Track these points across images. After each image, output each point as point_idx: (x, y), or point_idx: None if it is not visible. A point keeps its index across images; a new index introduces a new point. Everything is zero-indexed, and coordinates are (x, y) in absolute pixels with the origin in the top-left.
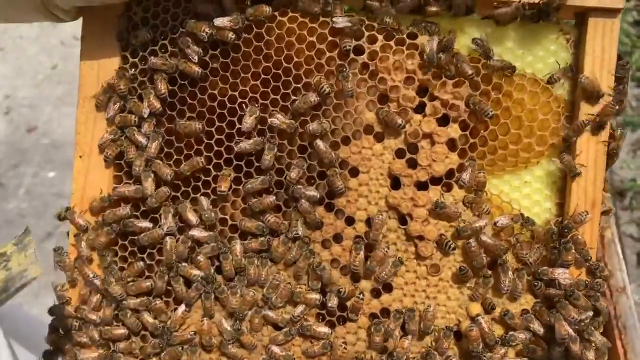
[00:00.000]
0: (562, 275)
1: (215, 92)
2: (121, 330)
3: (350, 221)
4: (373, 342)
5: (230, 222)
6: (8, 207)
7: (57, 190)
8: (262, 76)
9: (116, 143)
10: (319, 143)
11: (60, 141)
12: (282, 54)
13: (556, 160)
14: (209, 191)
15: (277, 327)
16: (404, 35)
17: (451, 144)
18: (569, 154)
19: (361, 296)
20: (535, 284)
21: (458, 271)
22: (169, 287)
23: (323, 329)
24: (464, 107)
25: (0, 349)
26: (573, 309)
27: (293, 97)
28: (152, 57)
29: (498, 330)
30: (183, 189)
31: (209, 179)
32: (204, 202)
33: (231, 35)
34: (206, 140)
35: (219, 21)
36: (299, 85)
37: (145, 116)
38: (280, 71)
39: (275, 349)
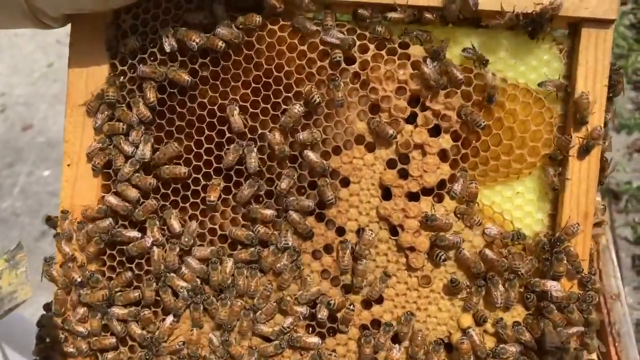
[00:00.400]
0: (554, 287)
1: (205, 100)
2: (109, 340)
3: (341, 232)
4: (363, 354)
5: (219, 232)
6: (2, 206)
7: (52, 189)
8: (253, 85)
9: (104, 152)
10: (309, 154)
11: (55, 139)
12: (272, 62)
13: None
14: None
15: (267, 339)
16: (396, 45)
17: (443, 155)
18: (552, 166)
19: (352, 307)
20: (528, 296)
21: (449, 283)
22: (157, 298)
23: (313, 339)
24: (456, 117)
25: None
26: (560, 314)
27: (284, 107)
28: (141, 65)
29: (489, 343)
30: (172, 198)
31: (198, 188)
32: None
33: (221, 43)
34: (195, 149)
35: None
36: (289, 95)
37: (135, 125)
38: (270, 80)
39: None
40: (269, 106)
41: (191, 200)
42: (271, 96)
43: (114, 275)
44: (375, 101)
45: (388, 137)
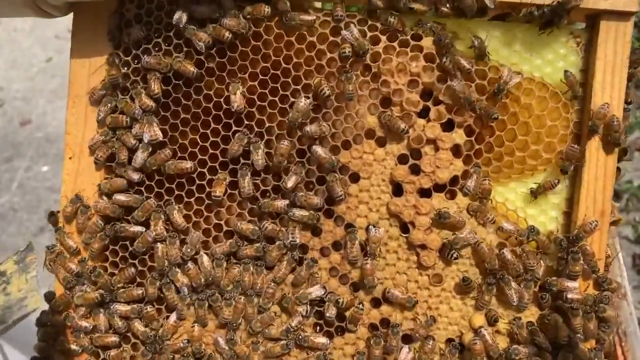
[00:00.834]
0: (572, 289)
1: (211, 92)
2: (112, 338)
3: (350, 228)
4: (372, 355)
5: (225, 228)
6: (0, 202)
7: (50, 184)
8: (260, 77)
9: (107, 145)
10: (317, 149)
11: (54, 135)
12: (281, 54)
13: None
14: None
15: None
16: (408, 37)
17: (456, 150)
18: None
19: (361, 306)
20: (543, 296)
21: (461, 281)
22: (161, 295)
23: (321, 339)
24: (470, 111)
25: None
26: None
27: (292, 100)
28: (145, 56)
29: (501, 343)
30: (176, 192)
31: (204, 182)
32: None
33: (227, 34)
34: (201, 143)
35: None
36: (298, 87)
37: (138, 117)
38: (279, 72)
39: None
40: (276, 99)
41: (196, 195)
42: (279, 88)
43: (116, 271)
44: (386, 94)
45: (400, 131)
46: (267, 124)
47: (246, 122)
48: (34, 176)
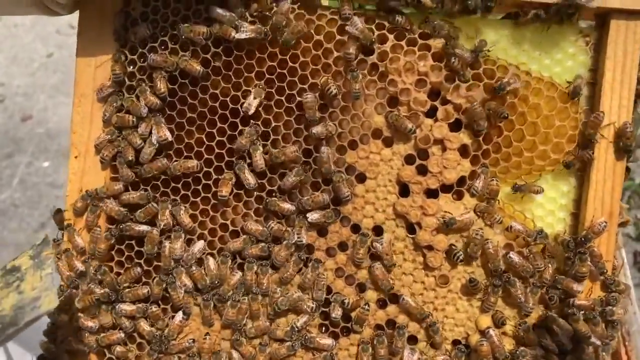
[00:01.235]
0: (577, 291)
1: (217, 91)
2: (117, 335)
3: (356, 229)
4: (378, 355)
5: (231, 228)
6: (1, 197)
7: (51, 180)
8: (267, 76)
9: (113, 144)
10: (324, 151)
11: (55, 130)
12: (287, 52)
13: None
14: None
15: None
16: (416, 35)
17: (463, 150)
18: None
19: (367, 307)
20: (551, 297)
21: (468, 282)
22: (166, 294)
23: (327, 340)
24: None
25: None
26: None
27: (298, 99)
28: (152, 55)
29: (507, 346)
30: (182, 192)
31: (210, 182)
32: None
33: (233, 33)
34: (207, 142)
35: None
36: (305, 86)
37: (144, 115)
38: (285, 71)
39: None
40: (283, 98)
41: (202, 194)
42: (285, 88)
43: (122, 271)
44: (393, 94)
45: (407, 131)
46: (274, 124)
47: (252, 121)
48: (35, 172)
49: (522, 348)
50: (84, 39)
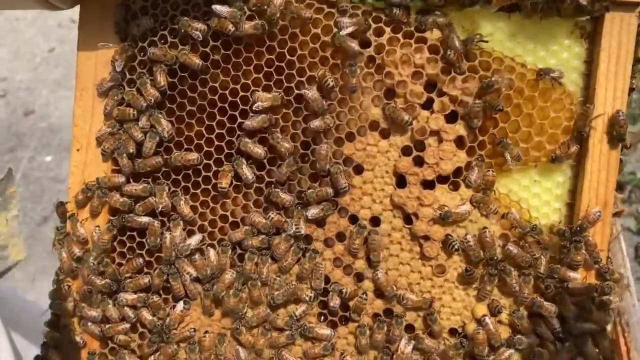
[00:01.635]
0: (572, 279)
1: (217, 84)
2: (122, 326)
3: (354, 220)
4: (374, 340)
5: (231, 219)
6: None
7: (53, 174)
8: (265, 69)
9: (114, 136)
10: (322, 147)
11: (57, 125)
12: (285, 46)
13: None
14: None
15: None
16: (412, 28)
17: (459, 142)
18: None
19: (364, 296)
20: (548, 286)
21: (464, 271)
22: (167, 285)
23: (325, 330)
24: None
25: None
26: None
27: (296, 91)
28: (151, 48)
29: (503, 334)
30: (183, 184)
31: (210, 174)
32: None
33: (231, 26)
34: (207, 135)
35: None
36: (302, 79)
37: (144, 108)
38: (283, 64)
39: (286, 354)
40: (281, 91)
41: (202, 186)
42: (284, 80)
43: (123, 262)
44: (390, 86)
45: (403, 123)
46: (272, 116)
47: (251, 114)
48: (37, 166)
49: (517, 336)
50: (84, 33)
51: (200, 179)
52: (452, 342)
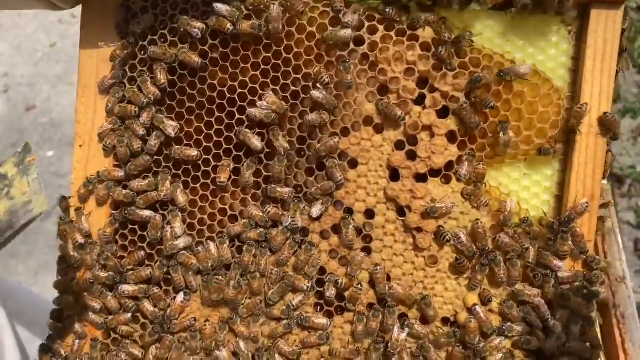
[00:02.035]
0: (559, 267)
1: (215, 82)
2: (124, 316)
3: (349, 212)
4: (370, 328)
5: (230, 213)
6: None
7: (55, 169)
8: (262, 66)
9: (116, 132)
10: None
11: (58, 120)
12: (282, 44)
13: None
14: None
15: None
16: (405, 26)
17: (451, 136)
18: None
19: (359, 287)
20: (535, 275)
21: (455, 261)
22: (168, 276)
23: (322, 320)
24: (464, 98)
25: (4, 330)
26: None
27: (293, 88)
28: (152, 47)
29: (494, 322)
30: (183, 178)
31: (209, 169)
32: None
33: (229, 25)
34: (205, 131)
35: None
36: (298, 76)
37: (145, 105)
38: (280, 62)
39: (282, 345)
40: (277, 88)
41: (202, 180)
42: (280, 78)
43: (125, 255)
44: (383, 82)
45: (396, 118)
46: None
47: (249, 110)
48: (39, 161)
49: (508, 324)
50: (86, 32)
51: (199, 174)
52: (445, 331)
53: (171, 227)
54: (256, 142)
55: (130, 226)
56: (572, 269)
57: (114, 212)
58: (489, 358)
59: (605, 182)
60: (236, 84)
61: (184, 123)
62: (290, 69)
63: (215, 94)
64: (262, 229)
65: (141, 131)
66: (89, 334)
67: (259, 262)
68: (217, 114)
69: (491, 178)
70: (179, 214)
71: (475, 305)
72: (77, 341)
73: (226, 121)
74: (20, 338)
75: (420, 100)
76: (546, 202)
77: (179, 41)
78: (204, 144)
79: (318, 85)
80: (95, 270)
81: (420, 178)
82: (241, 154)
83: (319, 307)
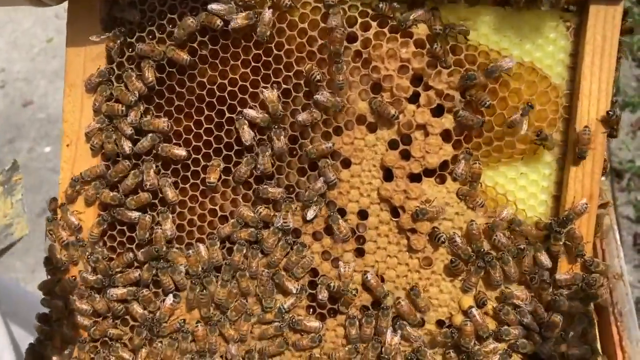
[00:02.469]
0: (545, 266)
1: (205, 80)
2: (111, 321)
3: (342, 213)
4: (364, 333)
5: (220, 213)
6: None
7: (52, 165)
8: (253, 64)
9: (103, 131)
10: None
11: (55, 116)
12: (273, 40)
13: None
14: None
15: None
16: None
17: (445, 135)
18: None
19: (355, 292)
20: (532, 277)
21: (449, 263)
22: (157, 278)
23: (314, 323)
24: (459, 97)
25: None
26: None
27: (284, 86)
28: (139, 44)
29: (490, 325)
30: (172, 179)
31: (198, 169)
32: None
33: (219, 21)
34: (195, 130)
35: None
36: (290, 74)
37: (133, 104)
38: (270, 59)
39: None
40: (268, 86)
41: (191, 180)
42: (271, 75)
43: (114, 256)
44: (377, 80)
45: (390, 117)
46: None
47: (239, 108)
48: (36, 157)
49: (504, 327)
50: (73, 29)
51: (189, 174)
52: (441, 331)
53: (162, 229)
54: (247, 136)
55: (119, 227)
56: (570, 272)
57: (102, 212)
58: None
59: (602, 178)
60: (226, 81)
61: (173, 122)
62: (281, 67)
63: (204, 92)
64: (252, 229)
65: (129, 130)
66: (78, 336)
67: (250, 264)
68: (206, 112)
69: (487, 178)
70: (170, 215)
71: (470, 307)
72: (66, 344)
73: (216, 120)
74: (15, 337)
75: (414, 99)
76: (544, 202)
77: (167, 38)
78: (194, 143)
79: (321, 89)
80: (83, 273)
81: (415, 178)
82: (231, 153)
83: (311, 310)
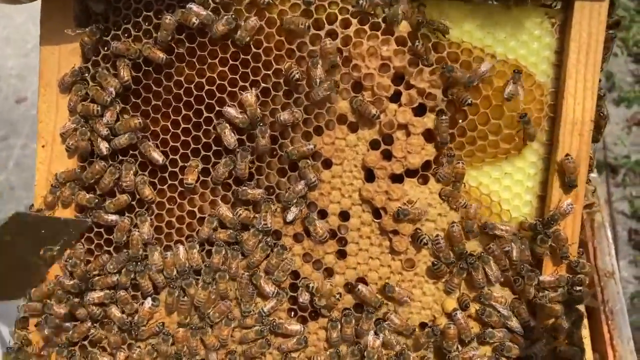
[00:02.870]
0: (544, 276)
1: (182, 78)
2: (88, 326)
3: (323, 215)
4: (345, 334)
5: (198, 215)
6: None
7: None
8: (231, 62)
9: (78, 132)
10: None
11: None
12: (251, 38)
13: None
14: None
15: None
16: (380, 19)
17: (428, 135)
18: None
19: (338, 296)
20: (517, 279)
21: (432, 266)
22: (135, 282)
23: (295, 326)
24: (442, 95)
25: None
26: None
27: (263, 85)
28: (114, 42)
29: (475, 328)
30: (149, 179)
31: (176, 170)
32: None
33: (195, 19)
34: (172, 130)
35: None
36: (269, 72)
37: (108, 104)
38: (249, 57)
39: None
40: (247, 84)
41: (169, 182)
42: (249, 74)
43: (91, 259)
44: (357, 79)
45: (371, 116)
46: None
47: (217, 108)
48: (30, 154)
49: (488, 330)
50: (46, 28)
51: (167, 175)
52: (424, 332)
53: (139, 232)
54: (231, 140)
55: (95, 229)
56: (554, 273)
57: (78, 214)
58: None
59: (596, 175)
60: (204, 80)
61: (149, 121)
62: (260, 65)
63: (182, 91)
64: (232, 230)
65: (105, 131)
66: (56, 341)
67: (230, 265)
68: (184, 111)
69: (471, 178)
70: (148, 218)
71: (455, 310)
72: (44, 349)
73: (194, 119)
74: (4, 336)
75: (396, 98)
76: (528, 203)
77: (143, 36)
78: (171, 143)
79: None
80: (60, 277)
81: (397, 179)
82: (210, 154)
83: (292, 313)
